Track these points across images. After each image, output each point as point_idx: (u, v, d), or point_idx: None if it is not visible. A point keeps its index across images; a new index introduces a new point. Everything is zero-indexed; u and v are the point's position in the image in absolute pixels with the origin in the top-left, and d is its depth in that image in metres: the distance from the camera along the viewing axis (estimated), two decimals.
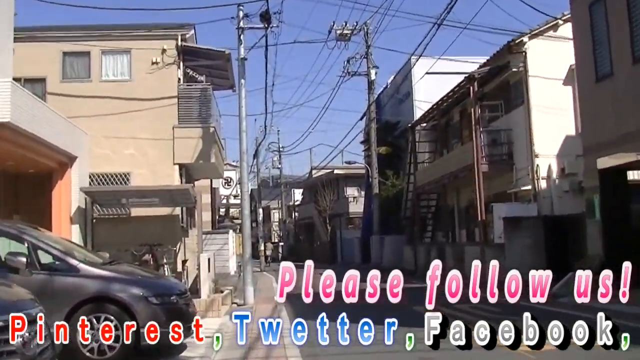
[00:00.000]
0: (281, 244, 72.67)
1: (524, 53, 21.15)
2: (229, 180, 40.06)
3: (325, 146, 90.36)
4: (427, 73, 33.00)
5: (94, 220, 18.39)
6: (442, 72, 32.35)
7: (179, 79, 19.91)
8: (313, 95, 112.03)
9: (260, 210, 47.67)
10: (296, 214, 70.31)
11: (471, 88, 22.02)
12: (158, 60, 19.52)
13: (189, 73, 20.72)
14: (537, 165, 20.71)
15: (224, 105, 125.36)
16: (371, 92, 35.59)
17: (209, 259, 16.94)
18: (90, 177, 18.42)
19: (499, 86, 22.94)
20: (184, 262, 18.88)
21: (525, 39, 21.16)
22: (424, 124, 31.07)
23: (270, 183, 77.43)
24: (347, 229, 51.39)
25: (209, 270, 16.80)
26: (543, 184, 20.76)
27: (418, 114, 32.79)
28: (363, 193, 49.39)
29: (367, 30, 34.68)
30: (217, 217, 41.10)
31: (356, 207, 50.87)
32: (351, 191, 53.80)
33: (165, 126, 19.41)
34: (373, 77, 34.92)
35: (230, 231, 33.85)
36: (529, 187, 20.88)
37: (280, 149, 64.75)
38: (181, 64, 20.09)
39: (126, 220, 19.31)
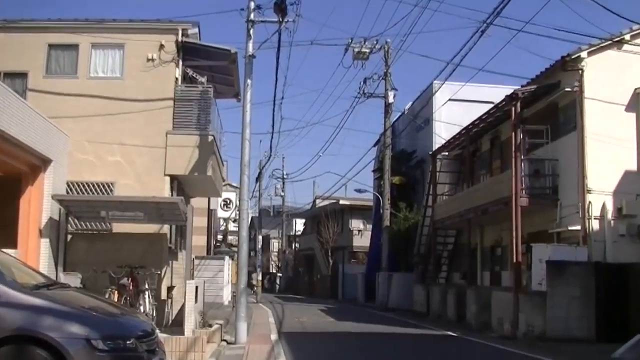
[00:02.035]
0: (279, 274, 70.13)
1: (580, 71, 18.34)
2: (228, 201, 37.37)
3: (332, 174, 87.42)
4: (450, 99, 30.76)
5: (70, 236, 15.97)
6: (465, 100, 30.28)
7: (177, 79, 17.46)
8: (324, 115, 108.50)
9: (260, 238, 44.86)
10: (297, 244, 67.68)
11: (513, 109, 19.31)
12: (154, 56, 17.12)
13: (189, 74, 18.23)
14: (589, 202, 17.93)
15: (227, 118, 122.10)
16: (388, 117, 33.00)
17: (196, 287, 14.25)
18: (68, 185, 16.11)
19: (546, 109, 20.15)
20: (170, 289, 16.35)
21: (583, 54, 18.34)
22: (446, 153, 28.44)
23: (272, 213, 75.10)
24: (349, 263, 49.05)
25: (196, 301, 14.12)
26: (595, 225, 17.93)
27: (437, 143, 30.29)
28: (369, 226, 47.34)
29: (388, 49, 32.24)
30: (213, 243, 38.49)
31: (360, 241, 48.84)
32: (356, 224, 51.60)
33: (157, 131, 16.95)
34: (391, 99, 32.38)
35: (227, 257, 31.31)
36: (578, 227, 18.03)
37: (285, 177, 62.33)
38: (180, 62, 17.64)
39: (107, 237, 16.79)
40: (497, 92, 25.36)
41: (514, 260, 18.79)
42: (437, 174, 28.48)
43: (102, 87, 17.07)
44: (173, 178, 17.18)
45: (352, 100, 33.79)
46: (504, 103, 20.27)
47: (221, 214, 37.30)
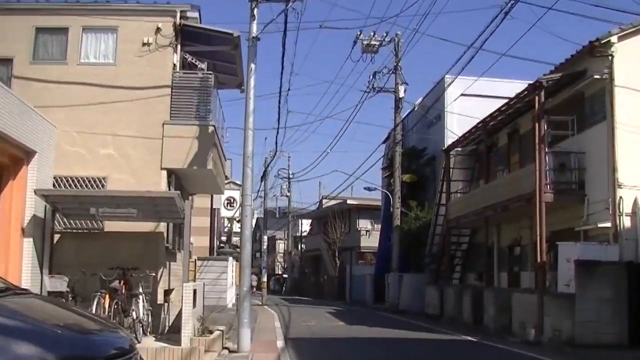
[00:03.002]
0: (285, 276, 68.94)
1: (610, 57, 16.91)
2: (232, 200, 36.01)
3: (339, 173, 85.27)
4: (462, 94, 29.50)
5: (58, 235, 14.87)
6: (478, 95, 29.01)
7: (175, 65, 16.16)
8: (333, 110, 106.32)
9: (265, 239, 43.53)
10: (303, 245, 66.41)
11: (537, 98, 17.92)
12: (150, 41, 15.81)
13: (188, 59, 16.93)
14: (620, 197, 16.53)
15: (230, 111, 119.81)
16: (398, 112, 31.65)
17: (194, 291, 12.97)
18: (56, 180, 14.92)
19: (571, 99, 18.69)
20: (167, 292, 15.16)
21: (613, 39, 16.89)
22: (459, 149, 27.09)
23: (277, 214, 73.85)
24: (357, 264, 47.91)
25: (194, 305, 12.86)
26: (626, 222, 16.53)
27: (449, 139, 28.98)
28: (377, 226, 46.18)
29: (398, 41, 30.91)
30: (217, 244, 37.20)
31: (368, 242, 47.78)
32: (364, 224, 50.48)
33: (153, 122, 15.66)
34: (402, 94, 31.01)
35: (230, 258, 29.90)
36: (607, 224, 16.64)
37: (290, 176, 61.00)
38: (178, 47, 16.34)
39: (98, 236, 15.56)
40: (511, 87, 24.14)
41: (538, 260, 17.43)
42: (451, 170, 27.11)
43: (93, 74, 15.77)
44: (170, 172, 15.90)
45: (361, 94, 32.33)
46: (525, 93, 18.89)
47: (225, 213, 35.94)
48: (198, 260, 28.16)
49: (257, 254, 61.66)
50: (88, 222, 15.37)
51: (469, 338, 18.15)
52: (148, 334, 13.64)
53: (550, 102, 18.77)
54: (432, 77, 69.39)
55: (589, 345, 15.12)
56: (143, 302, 13.52)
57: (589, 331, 15.49)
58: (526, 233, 21.32)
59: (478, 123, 23.20)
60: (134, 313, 12.73)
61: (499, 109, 21.31)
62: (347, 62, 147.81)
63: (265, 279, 40.94)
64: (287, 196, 62.59)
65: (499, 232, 23.96)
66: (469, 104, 29.72)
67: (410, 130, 33.73)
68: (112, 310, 12.60)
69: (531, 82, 18.75)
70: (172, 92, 15.79)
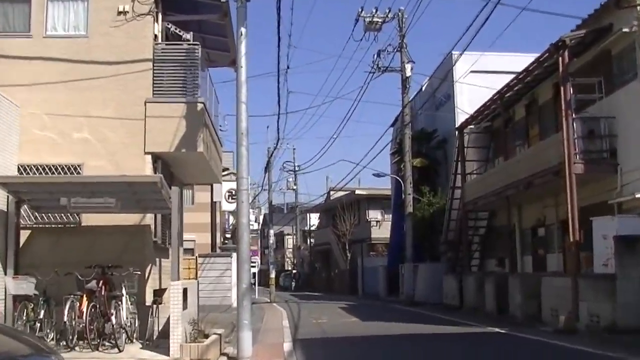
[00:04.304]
0: (294, 271, 67.40)
1: (639, 7, 15.04)
2: (234, 193, 34.13)
3: (346, 162, 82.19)
4: (472, 71, 27.71)
5: (29, 231, 13.18)
6: (488, 71, 27.29)
7: (156, 36, 14.37)
8: (339, 92, 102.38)
9: (272, 232, 41.73)
10: (312, 239, 64.67)
11: (560, 59, 16.05)
12: (126, 9, 13.90)
13: (171, 29, 15.15)
14: None
15: (224, 94, 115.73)
16: (405, 92, 29.74)
17: (185, 290, 11.19)
18: (23, 169, 13.16)
19: (596, 59, 16.77)
20: (158, 292, 13.42)
21: None
22: (472, 126, 25.23)
23: (285, 210, 72.28)
24: (368, 256, 46.29)
25: (184, 307, 11.08)
26: None
27: (460, 119, 27.15)
28: (387, 216, 44.55)
29: (402, 16, 29.02)
30: (221, 240, 35.50)
31: (379, 232, 46.26)
32: (374, 214, 48.82)
33: (133, 100, 13.81)
34: (408, 73, 29.12)
35: (234, 254, 28.15)
36: None
37: (296, 169, 59.30)
38: (160, 16, 14.55)
39: (75, 231, 13.73)
40: (523, 62, 22.35)
41: (571, 239, 15.55)
42: (465, 150, 25.24)
43: (62, 48, 13.86)
44: (156, 157, 14.06)
45: (366, 76, 30.42)
46: (547, 55, 16.99)
47: (226, 206, 34.10)
48: (199, 257, 26.58)
49: (265, 250, 60.11)
50: (63, 215, 13.60)
51: (497, 329, 16.33)
52: (134, 340, 11.95)
53: (573, 65, 16.84)
54: (440, 55, 67.05)
55: (633, 331, 13.31)
56: (127, 304, 11.83)
57: (632, 314, 13.68)
58: (551, 212, 19.52)
59: (493, 95, 21.33)
60: (113, 318, 10.98)
61: (516, 77, 19.46)
62: (349, 46, 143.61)
63: (273, 275, 39.15)
64: (293, 190, 60.93)
65: (520, 213, 22.11)
66: (479, 80, 28.04)
67: (419, 110, 31.80)
68: (90, 314, 10.95)
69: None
70: (153, 66, 13.92)
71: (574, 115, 16.14)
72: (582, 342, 13.16)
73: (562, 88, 16.11)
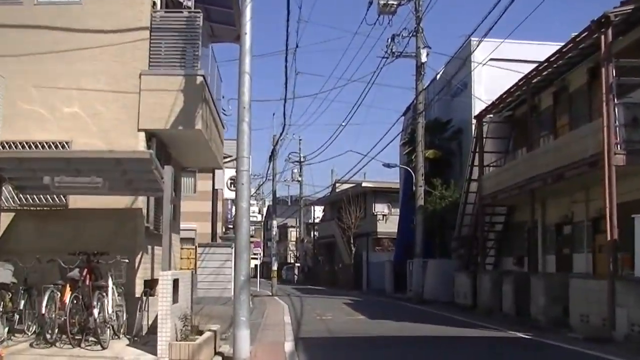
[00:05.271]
0: (297, 264, 66.27)
1: None
2: (235, 180, 32.87)
3: (353, 155, 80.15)
4: (492, 59, 26.39)
5: (13, 213, 12.13)
6: (508, 60, 26.12)
7: (154, 3, 13.03)
8: (351, 75, 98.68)
9: (275, 223, 40.37)
10: (316, 232, 63.40)
11: (603, 37, 14.59)
12: None
13: None
14: None
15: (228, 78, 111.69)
16: (420, 78, 28.31)
17: (175, 281, 9.86)
18: (6, 145, 11.97)
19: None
20: (150, 283, 12.15)
21: None
22: (491, 115, 23.83)
23: (289, 202, 71.06)
24: (374, 251, 45.13)
25: (175, 300, 9.75)
26: None
27: (477, 108, 25.79)
28: (394, 210, 43.37)
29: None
30: (222, 230, 34.22)
31: (385, 227, 45.11)
32: (380, 208, 47.66)
33: (128, 72, 12.54)
34: (424, 59, 27.66)
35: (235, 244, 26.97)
36: None
37: (302, 160, 57.98)
38: None
39: (62, 215, 12.42)
40: (543, 50, 21.00)
41: (608, 237, 14.15)
42: (484, 140, 23.83)
43: (54, 15, 12.60)
44: (150, 135, 12.74)
45: (378, 62, 29.10)
46: (586, 34, 15.54)
47: (228, 194, 32.81)
48: (199, 247, 25.34)
49: (268, 242, 58.79)
50: (49, 197, 12.31)
51: (520, 334, 14.96)
52: (121, 335, 10.66)
53: (615, 45, 15.34)
54: (459, 37, 64.74)
55: None
56: (114, 295, 10.56)
57: None
58: (580, 208, 18.14)
59: (519, 81, 19.87)
60: (95, 311, 9.67)
61: (547, 59, 17.96)
62: (362, 29, 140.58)
63: (275, 267, 37.84)
64: (298, 181, 59.58)
65: (543, 208, 20.67)
66: (498, 69, 26.76)
67: (434, 98, 30.34)
68: (72, 306, 9.67)
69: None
70: (150, 35, 12.62)
71: (615, 100, 14.65)
72: (619, 353, 11.84)
73: (603, 70, 14.63)
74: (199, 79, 12.59)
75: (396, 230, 38.12)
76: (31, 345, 9.71)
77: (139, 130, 12.38)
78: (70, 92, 12.43)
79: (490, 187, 22.37)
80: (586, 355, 11.98)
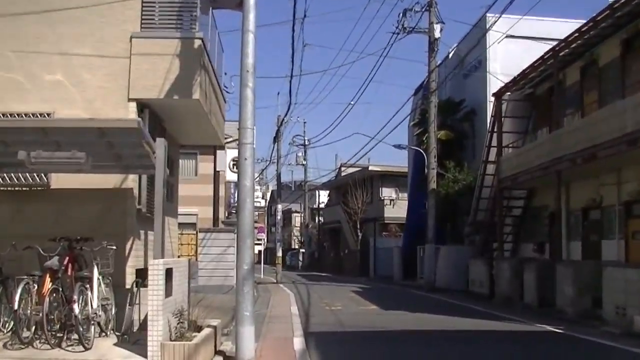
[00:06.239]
0: (302, 250, 65.11)
1: None
2: (238, 155, 31.46)
3: (359, 138, 77.38)
4: (507, 35, 25.08)
5: None
6: (525, 37, 24.96)
7: None
8: (360, 51, 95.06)
9: (279, 207, 39.03)
10: (321, 218, 62.09)
11: None
12: None
13: None
14: None
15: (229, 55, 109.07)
16: (433, 55, 26.83)
17: (169, 271, 8.50)
18: None
19: None
20: (142, 274, 10.74)
21: None
22: (509, 93, 22.41)
23: (293, 187, 69.81)
24: (381, 236, 43.78)
25: (167, 294, 8.38)
26: None
27: (493, 88, 24.39)
28: (402, 195, 42.03)
29: None
30: (225, 214, 32.90)
31: (393, 212, 43.74)
32: (388, 192, 46.29)
33: (117, 35, 11.26)
34: (437, 34, 26.17)
35: None
36: None
37: (306, 143, 56.56)
38: None
39: (42, 196, 11.11)
40: (567, 28, 19.56)
41: None
42: (502, 119, 22.41)
43: None
44: (143, 106, 11.42)
45: (389, 37, 27.61)
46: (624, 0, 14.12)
47: (230, 176, 31.42)
48: (200, 232, 24.06)
49: (272, 228, 57.53)
50: (28, 176, 10.99)
51: (550, 328, 13.59)
52: (109, 332, 9.34)
53: None
54: (476, 9, 62.01)
55: None
56: (101, 286, 9.24)
57: None
58: (610, 191, 16.76)
59: (545, 54, 18.40)
60: (75, 306, 8.34)
61: (578, 29, 16.53)
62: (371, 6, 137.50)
63: (280, 253, 36.57)
64: (302, 165, 58.19)
65: (567, 192, 19.27)
66: (514, 47, 25.44)
67: (447, 76, 28.87)
68: (51, 300, 8.36)
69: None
70: None
71: None
72: None
73: None
74: (197, 43, 11.24)
75: (404, 216, 36.83)
76: (4, 345, 8.39)
77: (129, 100, 11.11)
78: (52, 58, 11.18)
79: (511, 169, 20.97)
80: (635, 354, 10.62)
